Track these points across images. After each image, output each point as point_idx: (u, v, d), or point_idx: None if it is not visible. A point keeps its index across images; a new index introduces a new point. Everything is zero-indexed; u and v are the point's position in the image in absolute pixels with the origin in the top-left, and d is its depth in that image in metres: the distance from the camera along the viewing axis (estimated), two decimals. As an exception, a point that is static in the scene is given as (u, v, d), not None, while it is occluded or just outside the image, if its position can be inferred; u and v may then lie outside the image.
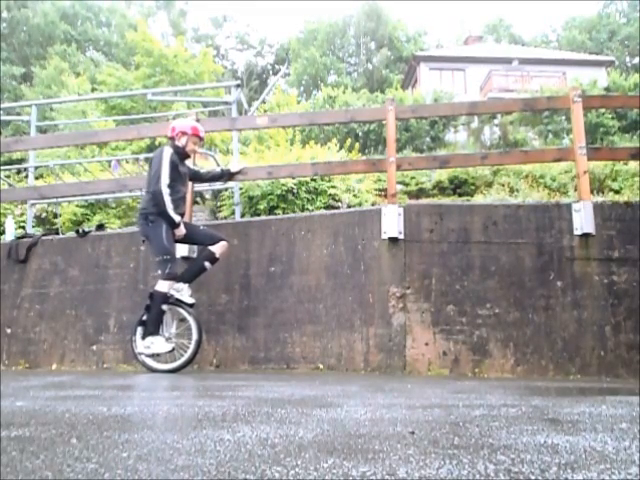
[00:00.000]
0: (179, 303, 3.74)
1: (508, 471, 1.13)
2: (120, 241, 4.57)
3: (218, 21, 40.14)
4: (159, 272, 3.68)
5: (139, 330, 3.71)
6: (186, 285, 3.78)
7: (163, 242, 3.66)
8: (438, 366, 3.86)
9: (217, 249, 3.85)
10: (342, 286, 4.11)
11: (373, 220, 4.19)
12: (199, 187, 6.11)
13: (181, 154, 3.90)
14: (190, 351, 3.67)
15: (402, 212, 4.14)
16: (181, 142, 3.90)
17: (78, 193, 5.80)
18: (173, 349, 3.67)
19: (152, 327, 3.63)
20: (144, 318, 3.69)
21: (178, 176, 3.79)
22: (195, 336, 3.66)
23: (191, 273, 3.86)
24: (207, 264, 3.85)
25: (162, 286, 3.63)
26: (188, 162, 4.13)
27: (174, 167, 3.74)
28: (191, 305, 3.75)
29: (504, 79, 23.35)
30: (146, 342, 3.63)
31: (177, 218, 3.71)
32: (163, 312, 3.68)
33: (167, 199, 3.64)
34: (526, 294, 3.95)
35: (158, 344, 3.62)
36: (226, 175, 4.45)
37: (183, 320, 3.77)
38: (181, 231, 3.77)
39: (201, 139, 4.04)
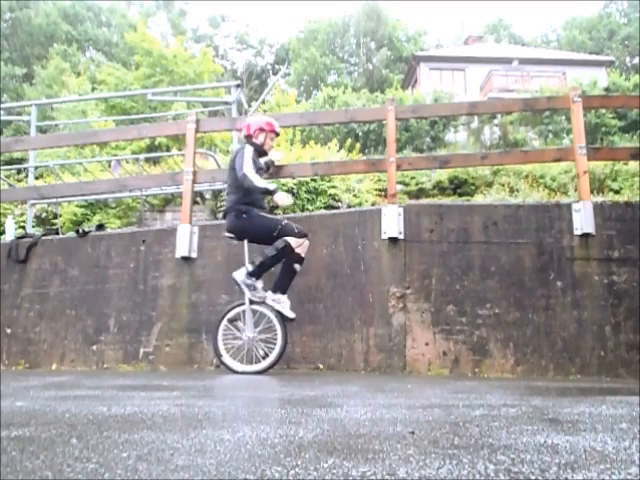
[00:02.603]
0: (272, 309, 3.63)
1: (508, 471, 1.13)
2: (120, 241, 4.57)
3: (217, 21, 40.13)
4: (288, 239, 3.55)
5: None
6: (285, 296, 3.63)
7: (267, 218, 3.64)
8: (438, 366, 3.86)
9: (301, 248, 3.65)
10: (342, 286, 4.11)
11: (373, 220, 4.19)
12: (199, 187, 6.11)
13: (259, 152, 3.82)
14: (274, 355, 3.56)
15: (402, 212, 4.14)
16: (259, 139, 3.82)
17: (78, 193, 5.81)
18: (294, 319, 3.62)
19: (285, 286, 3.61)
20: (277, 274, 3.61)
21: (257, 173, 3.72)
22: (280, 341, 3.56)
23: (284, 281, 3.66)
24: (297, 266, 3.65)
25: (295, 242, 3.54)
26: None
27: (254, 164, 3.68)
28: (290, 319, 3.62)
29: (504, 79, 23.36)
30: (276, 296, 3.56)
31: (271, 186, 3.61)
32: (295, 272, 3.62)
33: (255, 177, 3.55)
34: (526, 294, 3.95)
35: (287, 306, 3.57)
36: (271, 166, 4.21)
37: (268, 328, 3.67)
38: (281, 196, 3.63)
39: (277, 134, 3.94)
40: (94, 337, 4.34)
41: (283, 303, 3.61)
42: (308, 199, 7.23)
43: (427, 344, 3.90)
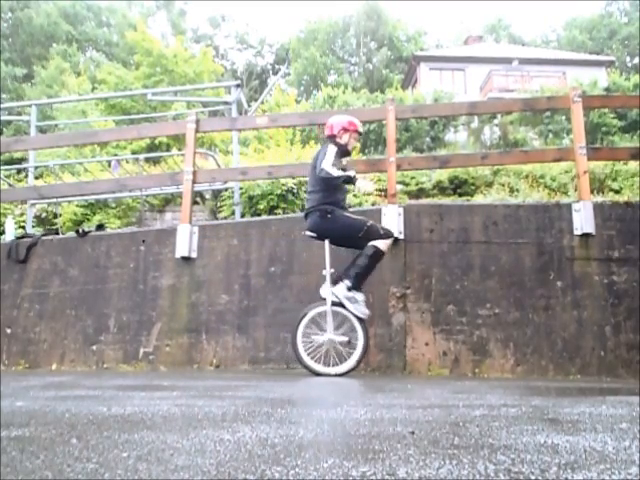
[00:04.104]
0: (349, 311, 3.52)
1: (508, 471, 1.12)
2: (120, 241, 4.57)
3: (217, 21, 40.12)
4: (373, 240, 3.47)
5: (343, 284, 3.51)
6: (361, 294, 3.52)
7: (352, 219, 3.56)
8: (438, 366, 3.86)
9: (380, 243, 3.51)
10: (342, 286, 4.10)
11: (373, 220, 4.19)
12: (199, 187, 6.11)
13: (343, 152, 3.73)
14: (355, 357, 3.46)
15: (402, 212, 4.14)
16: (343, 140, 3.73)
17: (78, 193, 5.81)
18: (368, 315, 3.51)
19: (360, 283, 3.50)
20: (351, 273, 3.49)
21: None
22: (361, 342, 3.45)
23: (361, 277, 3.53)
24: (378, 264, 3.56)
25: (383, 244, 3.47)
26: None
27: (336, 164, 3.61)
28: (363, 319, 3.50)
29: (504, 79, 23.34)
30: (350, 293, 3.46)
31: (351, 173, 3.55)
32: (374, 269, 3.54)
33: (332, 169, 3.46)
34: (526, 294, 3.95)
35: (362, 304, 3.47)
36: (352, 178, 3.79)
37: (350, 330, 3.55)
38: (362, 183, 3.57)
39: (360, 134, 3.85)
40: (94, 337, 4.34)
41: (358, 304, 3.48)
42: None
43: (427, 344, 3.90)
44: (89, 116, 15.87)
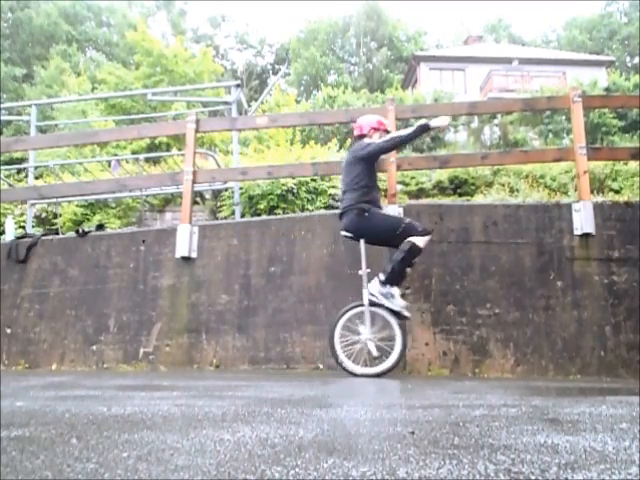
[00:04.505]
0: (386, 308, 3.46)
1: (508, 471, 1.12)
2: (120, 241, 4.57)
3: (217, 21, 40.12)
4: (414, 239, 3.41)
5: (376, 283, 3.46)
6: (397, 290, 3.45)
7: (390, 217, 3.57)
8: (438, 366, 3.86)
9: (418, 240, 3.44)
10: (342, 286, 4.11)
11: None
12: (199, 187, 6.11)
13: None
14: (393, 358, 3.40)
15: (402, 212, 4.14)
16: (374, 139, 3.74)
17: (78, 193, 5.81)
18: (408, 317, 3.48)
19: (398, 280, 3.45)
20: (388, 269, 3.42)
21: (371, 171, 3.69)
22: (399, 346, 3.41)
23: (398, 273, 3.45)
24: (415, 260, 3.51)
25: (420, 241, 3.41)
26: None
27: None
28: (404, 317, 3.47)
29: (504, 79, 23.34)
30: (385, 289, 3.41)
31: (421, 121, 3.57)
32: (412, 266, 3.53)
33: (380, 142, 3.53)
34: (526, 294, 3.95)
35: (398, 299, 3.41)
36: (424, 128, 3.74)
37: (385, 327, 3.50)
38: (437, 120, 3.59)
39: (388, 132, 3.86)
40: (94, 337, 4.34)
41: (394, 298, 3.42)
42: (308, 199, 7.23)
43: (427, 344, 3.90)
44: (89, 116, 15.86)
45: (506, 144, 16.04)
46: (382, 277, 3.46)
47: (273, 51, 40.74)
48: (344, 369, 3.43)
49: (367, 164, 3.63)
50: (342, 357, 3.43)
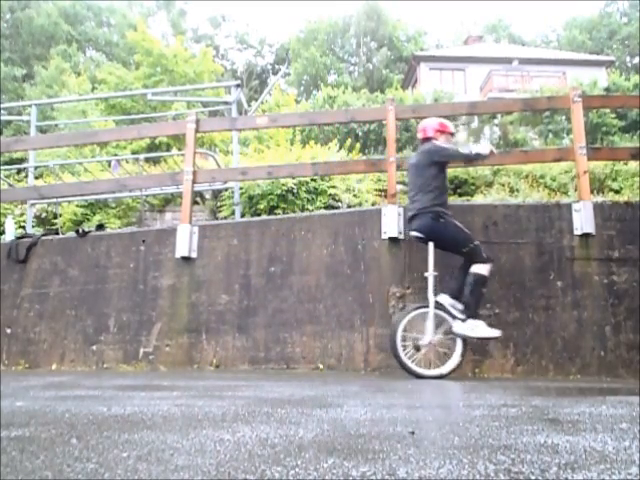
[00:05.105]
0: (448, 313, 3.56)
1: (508, 471, 1.12)
2: (120, 241, 4.57)
3: (217, 20, 40.11)
4: (480, 268, 3.50)
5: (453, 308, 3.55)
6: (481, 322, 3.52)
7: (464, 231, 3.58)
8: (438, 366, 3.85)
9: (482, 269, 3.51)
10: (342, 286, 4.11)
11: (373, 220, 4.19)
12: (199, 187, 6.11)
13: None
14: (455, 358, 3.54)
15: (402, 212, 4.14)
16: (440, 141, 3.76)
17: (78, 193, 5.81)
18: (498, 337, 3.55)
19: (474, 311, 3.50)
20: (459, 306, 3.51)
21: (443, 173, 3.73)
22: (459, 349, 3.53)
23: (474, 306, 3.53)
24: (484, 290, 3.58)
25: (484, 269, 3.49)
26: None
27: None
28: (496, 337, 3.56)
29: (504, 79, 23.34)
30: (469, 324, 3.47)
31: (483, 150, 3.62)
32: (483, 295, 3.58)
33: (455, 149, 3.64)
34: (526, 294, 3.95)
35: (483, 327, 3.48)
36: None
37: (447, 333, 3.61)
38: (485, 149, 3.63)
39: (453, 135, 3.91)
40: (94, 337, 4.34)
41: (480, 327, 3.49)
42: (308, 199, 7.22)
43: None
44: (89, 116, 15.86)
45: (506, 144, 16.04)
46: (462, 316, 3.52)
47: (273, 51, 40.74)
48: (406, 370, 3.50)
49: (442, 167, 3.69)
50: (404, 358, 3.50)
